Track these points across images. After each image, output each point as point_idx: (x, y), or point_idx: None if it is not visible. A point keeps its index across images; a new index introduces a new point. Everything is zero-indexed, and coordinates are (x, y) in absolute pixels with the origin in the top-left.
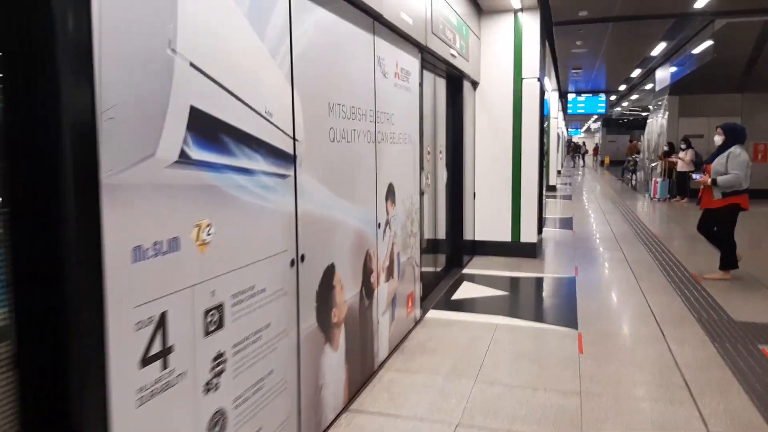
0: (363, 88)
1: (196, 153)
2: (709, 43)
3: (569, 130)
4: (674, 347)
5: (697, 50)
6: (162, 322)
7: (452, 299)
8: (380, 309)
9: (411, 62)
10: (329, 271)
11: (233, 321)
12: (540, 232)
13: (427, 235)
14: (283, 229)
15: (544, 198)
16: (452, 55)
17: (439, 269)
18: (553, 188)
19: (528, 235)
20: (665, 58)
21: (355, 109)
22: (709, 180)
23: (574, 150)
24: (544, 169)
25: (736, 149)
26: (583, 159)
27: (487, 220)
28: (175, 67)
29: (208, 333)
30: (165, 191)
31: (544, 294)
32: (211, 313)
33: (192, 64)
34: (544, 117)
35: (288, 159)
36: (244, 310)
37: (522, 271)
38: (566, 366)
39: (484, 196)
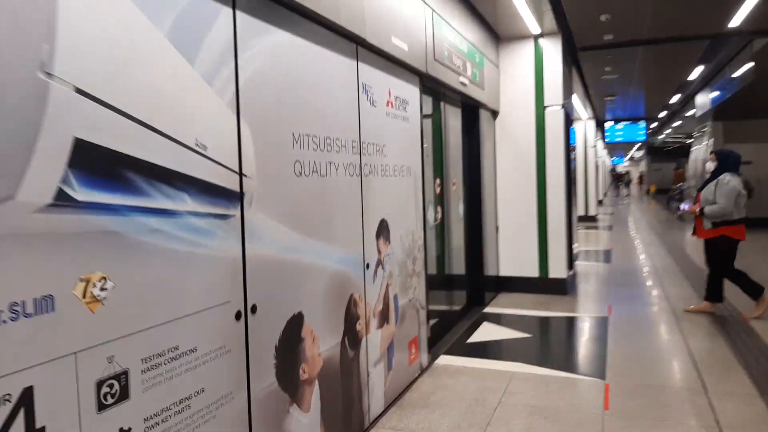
0: (343, 118)
1: (84, 194)
2: (749, 64)
3: (612, 158)
4: (716, 402)
5: (737, 73)
6: (25, 400)
7: (468, 342)
8: (372, 359)
9: (408, 90)
10: (295, 322)
11: (145, 390)
12: (571, 267)
13: (442, 272)
14: (224, 278)
15: (575, 230)
16: (462, 84)
17: (457, 308)
18: (593, 219)
19: (557, 270)
20: (704, 82)
21: (331, 140)
22: (697, 209)
23: (617, 179)
24: (574, 200)
25: (725, 177)
26: (627, 188)
27: (513, 255)
28: (50, 93)
29: (103, 407)
30: (32, 241)
31: (571, 337)
32: (107, 383)
33: (79, 90)
34: (570, 146)
35: (231, 197)
36: (162, 376)
37: (549, 309)
38: (587, 426)
39: (508, 230)
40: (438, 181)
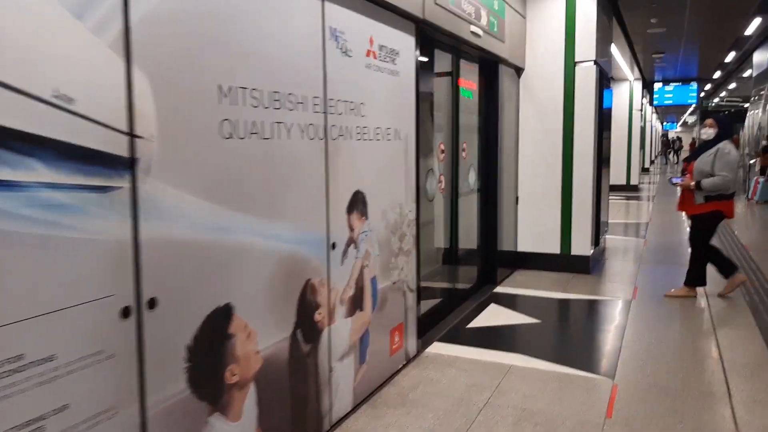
0: (300, 69)
1: None
2: None
3: (664, 124)
4: (740, 412)
5: None
6: None
7: (468, 327)
8: (337, 352)
9: (400, 39)
10: (219, 315)
11: None
12: (596, 243)
13: (449, 247)
14: (102, 267)
15: (605, 202)
16: (474, 34)
17: (464, 287)
18: (634, 188)
19: (580, 246)
20: (763, 38)
21: (281, 96)
22: (692, 183)
23: (665, 145)
24: (606, 169)
25: (725, 146)
26: (677, 155)
27: (533, 229)
28: None
29: None
30: None
31: (586, 324)
32: None
33: None
34: (603, 108)
35: (116, 164)
36: None
37: (567, 290)
38: None
39: (529, 201)
40: (442, 146)
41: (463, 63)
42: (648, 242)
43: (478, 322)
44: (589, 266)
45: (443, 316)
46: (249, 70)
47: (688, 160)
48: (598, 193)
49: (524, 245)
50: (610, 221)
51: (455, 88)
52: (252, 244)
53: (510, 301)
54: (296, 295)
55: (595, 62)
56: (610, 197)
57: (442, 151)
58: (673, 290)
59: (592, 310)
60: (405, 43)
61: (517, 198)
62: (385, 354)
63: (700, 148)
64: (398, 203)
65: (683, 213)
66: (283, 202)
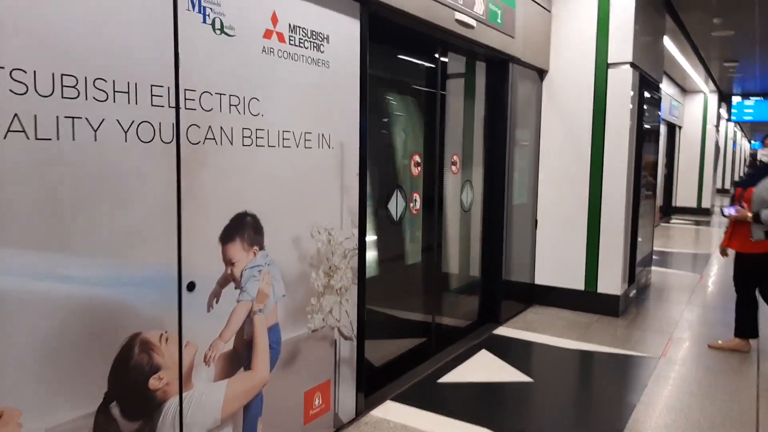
0: (121, 45)
1: None
2: None
3: (752, 142)
4: None
5: None
6: None
7: (439, 382)
8: (196, 428)
9: (331, 20)
10: None
11: None
12: (631, 279)
13: (432, 277)
14: None
15: (647, 231)
16: (462, 24)
17: (456, 325)
18: (705, 211)
19: (609, 283)
20: None
21: (82, 82)
22: (749, 214)
23: (751, 166)
24: (645, 192)
25: None
26: None
27: (553, 259)
28: None
29: None
30: None
31: (588, 390)
32: None
33: None
34: (643, 118)
35: None
36: None
37: (583, 338)
38: None
39: (549, 226)
40: (417, 158)
41: (453, 61)
42: (704, 278)
43: (455, 375)
44: (618, 308)
45: (415, 364)
46: (10, 41)
47: (743, 186)
48: (635, 220)
49: (543, 277)
50: (666, 250)
51: (440, 90)
52: (16, 290)
53: (506, 348)
54: (111, 355)
55: (633, 65)
56: (676, 221)
57: (417, 165)
58: (720, 341)
59: (604, 369)
60: (341, 26)
61: (536, 221)
62: (296, 423)
63: (759, 171)
64: (325, 228)
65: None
66: (82, 229)
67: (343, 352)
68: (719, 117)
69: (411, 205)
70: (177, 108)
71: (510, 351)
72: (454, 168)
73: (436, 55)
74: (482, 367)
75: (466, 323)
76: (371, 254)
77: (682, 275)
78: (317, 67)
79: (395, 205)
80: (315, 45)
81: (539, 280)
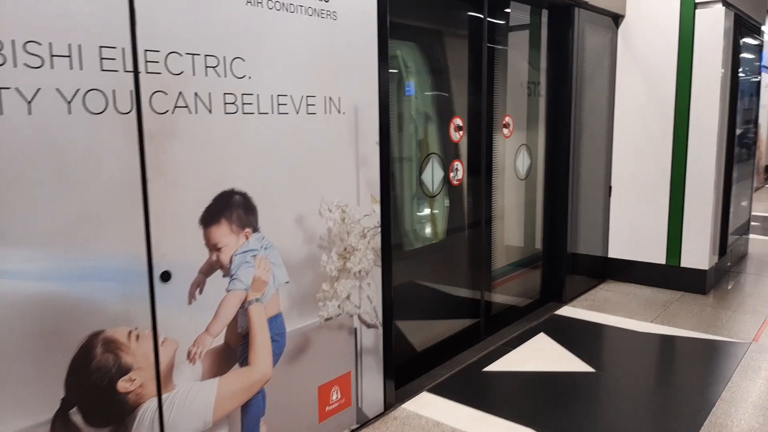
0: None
1: None
2: None
3: None
4: None
5: None
6: None
7: (485, 371)
8: None
9: None
10: None
11: None
12: (723, 251)
13: (480, 251)
14: None
15: (744, 196)
16: None
17: (515, 303)
18: None
19: (695, 256)
20: None
21: (2, 46)
22: None
23: None
24: (744, 151)
25: None
26: None
27: (630, 230)
28: None
29: None
30: None
31: (662, 383)
32: None
33: None
34: (739, 67)
35: None
36: None
37: (661, 320)
38: None
39: (625, 193)
40: (458, 121)
41: (504, 4)
42: None
43: (504, 363)
44: (705, 284)
45: (462, 349)
46: None
47: None
48: (728, 184)
49: (617, 250)
50: (763, 214)
51: (487, 40)
52: None
53: (568, 332)
54: (67, 357)
55: (727, 3)
56: None
57: (458, 129)
58: None
59: (682, 357)
60: None
61: (609, 188)
62: (309, 421)
63: None
64: (337, 205)
65: None
66: (20, 216)
67: (365, 341)
68: None
69: (451, 174)
70: (135, 72)
71: (572, 335)
72: (506, 131)
73: (482, 2)
74: (537, 354)
75: (526, 302)
76: (404, 229)
77: None
78: (321, 18)
79: (431, 176)
80: None
81: (613, 253)
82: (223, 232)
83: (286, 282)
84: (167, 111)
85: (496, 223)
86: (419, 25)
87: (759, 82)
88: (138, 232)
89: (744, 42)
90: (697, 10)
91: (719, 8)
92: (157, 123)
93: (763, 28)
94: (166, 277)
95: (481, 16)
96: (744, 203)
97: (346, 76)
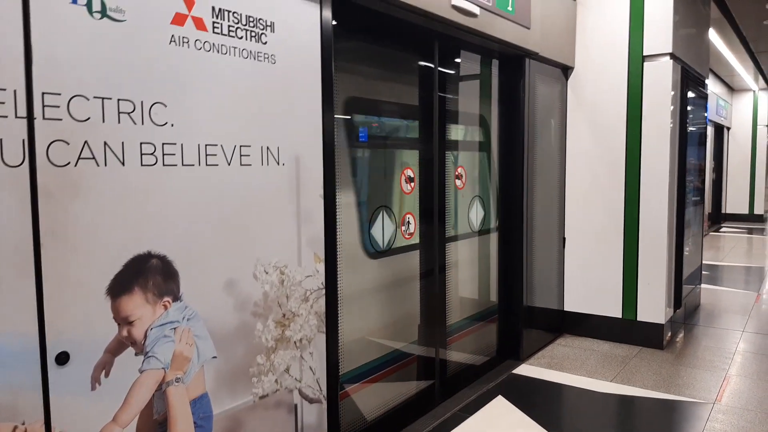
0: None
1: None
2: None
3: None
4: None
5: None
6: None
7: None
8: None
9: (281, 5)
10: None
11: None
12: (678, 304)
13: (424, 310)
14: None
15: (696, 245)
16: (462, 11)
17: (469, 363)
18: (759, 218)
19: (650, 310)
20: None
21: None
22: None
23: None
24: (693, 202)
25: None
26: None
27: (585, 283)
28: None
29: None
30: None
31: None
32: None
33: None
34: (686, 118)
35: None
36: None
37: (621, 378)
38: None
39: (579, 244)
40: (409, 172)
41: (455, 56)
42: (761, 296)
43: None
44: (662, 338)
45: (417, 415)
46: None
47: None
48: (680, 233)
49: (573, 303)
50: (716, 263)
51: (437, 91)
52: None
53: (527, 394)
54: None
55: (674, 56)
56: (726, 229)
57: (409, 180)
58: None
59: (645, 420)
60: (292, 12)
61: (564, 239)
62: None
63: None
64: (274, 266)
65: None
66: None
67: (307, 419)
68: None
69: (403, 228)
70: (30, 118)
71: (531, 397)
72: (459, 182)
73: (432, 49)
74: (495, 422)
75: (482, 360)
76: (353, 285)
77: (736, 294)
78: (257, 62)
79: (381, 230)
80: (253, 35)
81: (569, 306)
82: (136, 303)
83: (213, 357)
84: (68, 163)
85: (450, 277)
86: (371, 74)
87: (705, 132)
88: (28, 307)
89: (690, 94)
90: (645, 63)
91: (667, 60)
92: (55, 178)
93: (707, 81)
94: (62, 359)
95: (432, 65)
96: (695, 253)
97: (286, 124)
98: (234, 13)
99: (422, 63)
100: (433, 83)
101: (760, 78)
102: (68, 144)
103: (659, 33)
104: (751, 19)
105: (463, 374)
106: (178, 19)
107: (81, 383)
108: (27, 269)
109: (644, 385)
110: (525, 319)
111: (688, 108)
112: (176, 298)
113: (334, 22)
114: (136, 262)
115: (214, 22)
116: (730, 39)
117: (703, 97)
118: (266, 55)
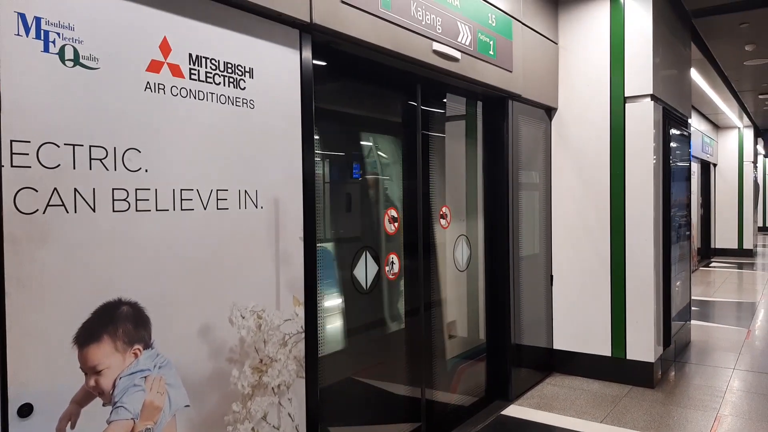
0: None
1: None
2: None
3: None
4: None
5: None
6: None
7: None
8: None
9: (260, 51)
10: None
11: None
12: (667, 341)
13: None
14: None
15: (684, 281)
16: (443, 56)
17: (459, 403)
18: (748, 252)
19: (640, 348)
20: None
21: None
22: None
23: None
24: (681, 237)
25: None
26: None
27: (573, 321)
28: None
29: None
30: None
31: None
32: None
33: None
34: (670, 156)
35: None
36: None
37: (613, 419)
38: None
39: (566, 282)
40: (392, 213)
41: (438, 99)
42: (752, 333)
43: None
44: (652, 377)
45: None
46: None
47: None
48: (667, 270)
49: (562, 341)
50: (706, 299)
51: (420, 132)
52: None
53: None
54: None
55: (654, 97)
56: (716, 264)
57: (393, 220)
58: None
59: None
60: (271, 58)
61: (551, 276)
62: None
63: None
64: (251, 310)
65: None
66: None
67: None
68: (756, 153)
69: (387, 269)
70: None
71: None
72: (443, 222)
73: (415, 93)
74: None
75: (470, 401)
76: (336, 326)
77: (726, 330)
78: (235, 107)
79: (364, 271)
80: (232, 80)
81: (558, 344)
82: (104, 352)
83: (186, 405)
84: (36, 211)
85: (436, 316)
86: (355, 117)
87: (689, 168)
88: None
89: (673, 132)
90: (627, 104)
91: (648, 102)
92: (22, 225)
93: (690, 121)
94: (25, 411)
95: (414, 106)
96: (684, 288)
97: (264, 167)
98: (212, 59)
99: (406, 104)
100: (415, 125)
101: (744, 116)
102: (37, 191)
103: (640, 75)
104: (733, 60)
105: (450, 416)
106: (154, 66)
107: None
108: None
109: (635, 426)
110: (514, 357)
111: (672, 146)
112: (147, 345)
113: (316, 63)
114: (106, 310)
115: (191, 69)
116: (712, 79)
117: (686, 136)
118: (244, 101)
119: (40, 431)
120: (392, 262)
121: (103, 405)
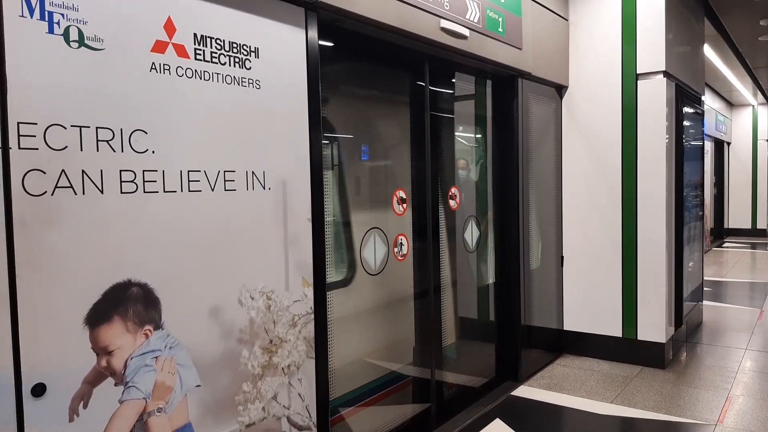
0: None
1: None
2: None
3: None
4: None
5: None
6: None
7: None
8: None
9: (266, 31)
10: None
11: None
12: (679, 322)
13: (420, 329)
14: None
15: (696, 261)
16: (451, 33)
17: (468, 384)
18: (762, 232)
19: (651, 328)
20: None
21: None
22: None
23: None
24: (696, 217)
25: None
26: None
27: (584, 302)
28: None
29: None
30: None
31: None
32: None
33: None
34: (683, 134)
35: None
36: None
37: (621, 399)
38: None
39: (577, 263)
40: (401, 193)
41: (446, 77)
42: (766, 314)
43: None
44: (663, 357)
45: None
46: None
47: None
48: (680, 250)
49: (573, 323)
50: (718, 279)
51: (429, 112)
52: None
53: (526, 417)
54: None
55: (667, 74)
56: (729, 244)
57: (401, 201)
58: None
59: None
60: (277, 38)
61: (562, 258)
62: None
63: None
64: (260, 291)
65: None
66: None
67: None
68: None
69: (395, 250)
70: (5, 148)
71: (530, 421)
72: (453, 203)
73: (423, 72)
74: None
75: (480, 382)
76: (344, 308)
77: (739, 310)
78: (241, 87)
79: (373, 252)
80: (237, 60)
81: (568, 325)
82: (115, 333)
83: (197, 386)
84: (45, 193)
85: (445, 297)
86: (362, 96)
87: (702, 147)
88: (2, 339)
89: (686, 110)
90: (639, 81)
91: (660, 78)
92: (31, 207)
93: (703, 98)
94: (38, 391)
95: (422, 85)
96: (696, 269)
97: (272, 149)
98: (217, 39)
99: (413, 83)
100: (423, 104)
101: (759, 93)
102: (45, 173)
103: (652, 51)
104: (747, 36)
105: (460, 396)
106: (159, 47)
107: (58, 415)
108: (2, 300)
109: (645, 406)
110: (524, 339)
111: (685, 124)
112: (158, 326)
113: (322, 43)
114: (116, 291)
115: (196, 49)
116: (726, 55)
117: (699, 114)
118: (250, 81)
119: (53, 410)
120: (401, 243)
121: (115, 385)
